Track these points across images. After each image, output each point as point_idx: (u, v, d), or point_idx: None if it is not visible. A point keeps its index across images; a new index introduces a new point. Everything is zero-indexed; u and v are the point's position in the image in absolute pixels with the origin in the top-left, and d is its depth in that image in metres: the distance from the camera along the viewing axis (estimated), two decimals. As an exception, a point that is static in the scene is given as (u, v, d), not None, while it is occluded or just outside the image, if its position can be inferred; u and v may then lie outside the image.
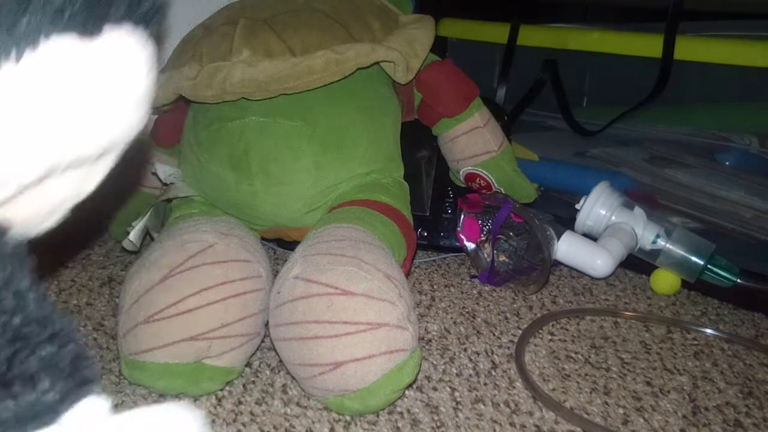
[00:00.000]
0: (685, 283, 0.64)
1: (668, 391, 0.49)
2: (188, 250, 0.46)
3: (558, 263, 0.65)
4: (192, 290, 0.44)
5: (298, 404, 0.45)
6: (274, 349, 0.46)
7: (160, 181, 0.58)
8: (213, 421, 0.43)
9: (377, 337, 0.41)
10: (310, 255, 0.46)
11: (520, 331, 0.56)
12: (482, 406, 0.46)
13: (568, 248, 0.63)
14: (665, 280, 0.64)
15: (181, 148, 0.58)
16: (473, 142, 0.62)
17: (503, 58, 0.77)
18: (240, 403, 0.45)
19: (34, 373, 0.22)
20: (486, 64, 0.84)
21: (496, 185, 0.65)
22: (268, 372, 0.49)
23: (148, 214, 0.58)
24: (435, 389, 0.47)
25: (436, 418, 0.44)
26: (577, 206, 0.67)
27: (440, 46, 0.77)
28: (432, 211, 0.69)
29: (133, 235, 0.58)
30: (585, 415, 0.45)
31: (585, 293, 0.64)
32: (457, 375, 0.49)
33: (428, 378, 0.49)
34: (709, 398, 0.48)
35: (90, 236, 0.71)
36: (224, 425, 0.42)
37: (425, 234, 0.69)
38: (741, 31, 0.67)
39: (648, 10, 0.76)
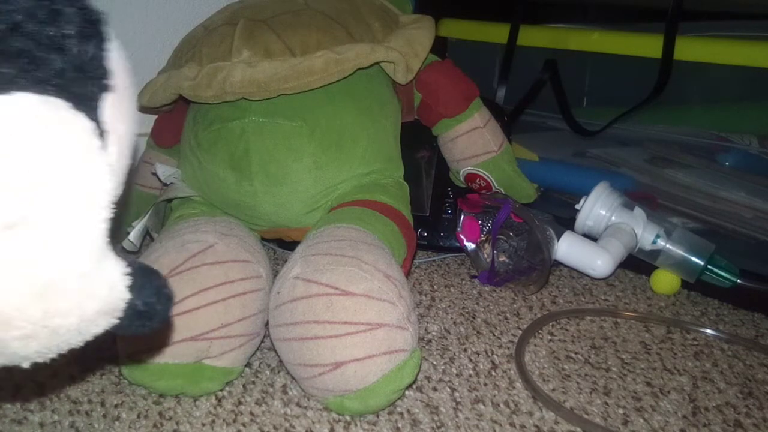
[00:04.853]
0: (685, 283, 0.64)
1: (668, 392, 0.49)
2: (188, 250, 0.46)
3: (558, 263, 0.65)
4: (192, 290, 0.44)
5: (298, 404, 0.45)
6: (274, 349, 0.46)
7: (160, 181, 0.58)
8: (213, 421, 0.43)
9: (377, 337, 0.41)
10: (310, 255, 0.46)
11: (520, 332, 0.56)
12: (482, 407, 0.46)
13: (568, 248, 0.63)
14: (665, 281, 0.64)
15: (181, 148, 0.58)
16: (473, 142, 0.62)
17: (503, 58, 0.77)
18: (240, 403, 0.45)
19: None
20: (486, 64, 0.84)
21: (496, 185, 0.65)
22: (268, 372, 0.49)
23: (148, 214, 0.58)
24: (435, 389, 0.47)
25: (436, 418, 0.44)
26: (577, 206, 0.67)
27: (440, 46, 0.77)
28: (432, 211, 0.69)
29: (133, 235, 0.58)
30: (585, 415, 0.45)
31: (585, 293, 0.64)
32: (457, 375, 0.49)
33: (428, 378, 0.49)
34: (709, 398, 0.48)
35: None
36: (224, 425, 0.42)
37: (425, 234, 0.69)
38: (741, 31, 0.67)
39: (648, 10, 0.76)
